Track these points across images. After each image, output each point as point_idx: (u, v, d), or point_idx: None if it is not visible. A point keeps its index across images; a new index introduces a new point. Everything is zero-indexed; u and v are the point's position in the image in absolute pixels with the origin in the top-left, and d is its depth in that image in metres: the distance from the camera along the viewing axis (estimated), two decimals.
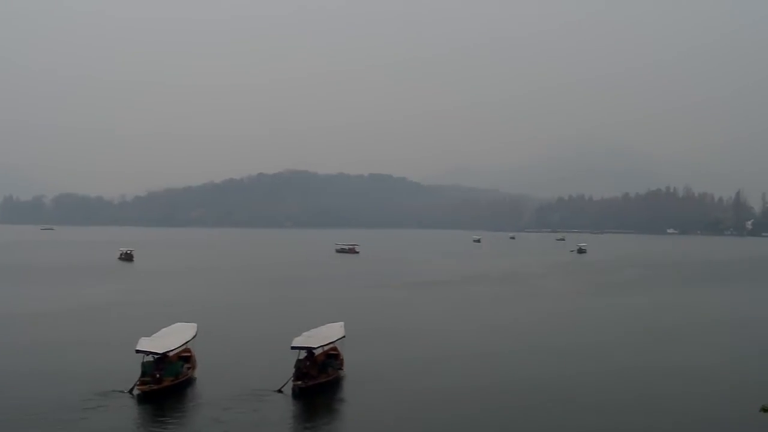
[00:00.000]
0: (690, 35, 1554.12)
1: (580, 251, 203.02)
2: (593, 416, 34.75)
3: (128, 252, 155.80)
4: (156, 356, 38.69)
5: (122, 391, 37.36)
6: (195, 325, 45.14)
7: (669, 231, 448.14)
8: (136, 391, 37.23)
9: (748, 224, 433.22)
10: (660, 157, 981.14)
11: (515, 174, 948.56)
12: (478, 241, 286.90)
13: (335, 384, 40.36)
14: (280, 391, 38.14)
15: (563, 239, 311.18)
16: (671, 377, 43.30)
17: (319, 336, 41.91)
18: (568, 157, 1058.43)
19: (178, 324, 45.86)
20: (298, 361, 39.36)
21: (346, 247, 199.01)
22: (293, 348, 39.44)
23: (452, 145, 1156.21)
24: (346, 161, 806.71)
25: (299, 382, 38.02)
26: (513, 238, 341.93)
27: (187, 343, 42.16)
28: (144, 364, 38.52)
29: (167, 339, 41.24)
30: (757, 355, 49.40)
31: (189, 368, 41.36)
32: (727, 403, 36.38)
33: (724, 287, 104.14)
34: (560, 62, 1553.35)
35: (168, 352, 39.29)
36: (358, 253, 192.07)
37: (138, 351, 38.37)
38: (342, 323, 45.58)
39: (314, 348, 40.27)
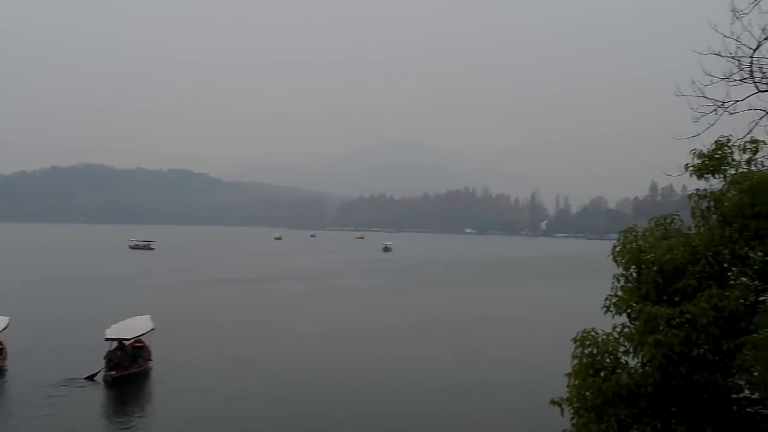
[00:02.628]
0: (496, 33, 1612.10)
1: (386, 249, 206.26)
2: (390, 406, 36.00)
3: None
4: None
5: None
6: (6, 318, 44.76)
7: (467, 230, 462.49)
8: None
9: (543, 225, 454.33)
10: (460, 158, 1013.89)
11: (318, 172, 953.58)
12: (279, 238, 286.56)
13: (145, 375, 41.40)
14: (91, 380, 38.69)
15: (362, 237, 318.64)
16: (468, 370, 45.17)
17: (130, 328, 42.76)
18: (371, 156, 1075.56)
19: None
20: (109, 352, 39.94)
21: (141, 243, 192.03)
22: (107, 339, 40.10)
23: (255, 142, 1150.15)
24: (144, 156, 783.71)
25: (112, 372, 38.66)
26: (313, 236, 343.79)
27: None
28: None
29: None
30: (550, 346, 50.06)
31: None
32: (519, 395, 38.00)
33: (519, 284, 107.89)
34: (365, 66, 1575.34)
35: None
36: (153, 249, 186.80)
37: None
38: (149, 316, 46.33)
39: (127, 339, 41.16)
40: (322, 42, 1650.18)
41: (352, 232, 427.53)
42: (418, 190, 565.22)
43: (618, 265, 12.23)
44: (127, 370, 39.66)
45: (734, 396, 11.65)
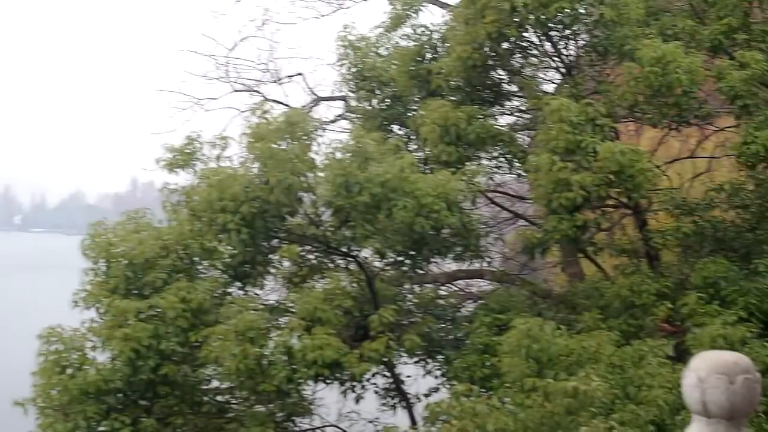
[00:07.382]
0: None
1: None
2: None
3: None
4: None
5: None
6: None
7: None
8: None
9: (17, 219, 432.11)
10: None
11: None
12: None
13: None
14: None
15: None
16: None
17: None
18: None
19: None
20: None
21: None
22: None
23: None
24: None
25: None
26: None
27: None
28: None
29: None
30: (21, 345, 48.80)
31: None
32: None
33: None
34: None
35: None
36: None
37: None
38: None
39: None
40: None
41: None
42: None
43: (88, 258, 11.93)
44: None
45: (205, 387, 12.05)
